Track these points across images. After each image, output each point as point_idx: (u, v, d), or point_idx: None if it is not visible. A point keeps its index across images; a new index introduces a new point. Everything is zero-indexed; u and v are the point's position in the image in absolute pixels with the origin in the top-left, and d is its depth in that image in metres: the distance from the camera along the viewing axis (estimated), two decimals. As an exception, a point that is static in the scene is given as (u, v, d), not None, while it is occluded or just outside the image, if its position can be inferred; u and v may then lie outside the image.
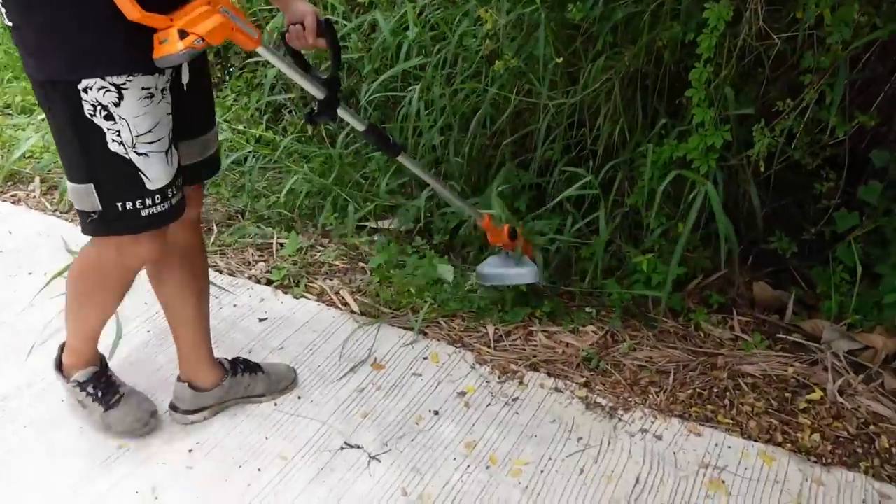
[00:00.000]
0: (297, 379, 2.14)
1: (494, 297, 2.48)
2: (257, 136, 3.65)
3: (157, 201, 1.56)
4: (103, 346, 2.02)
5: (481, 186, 2.88)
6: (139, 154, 1.51)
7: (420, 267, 2.59)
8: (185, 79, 1.58)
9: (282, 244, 2.80)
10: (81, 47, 1.42)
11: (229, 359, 2.06)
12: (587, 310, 2.47)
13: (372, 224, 3.02)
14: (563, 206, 2.61)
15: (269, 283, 2.59)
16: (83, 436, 1.94)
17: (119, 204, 1.53)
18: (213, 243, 2.79)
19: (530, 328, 2.39)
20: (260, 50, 1.58)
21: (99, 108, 1.45)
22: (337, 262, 2.71)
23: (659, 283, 2.44)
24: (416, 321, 2.37)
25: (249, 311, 2.44)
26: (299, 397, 2.09)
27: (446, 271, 2.57)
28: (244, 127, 3.68)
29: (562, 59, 2.51)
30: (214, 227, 2.90)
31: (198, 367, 1.98)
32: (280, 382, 2.10)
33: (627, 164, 2.60)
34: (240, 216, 3.06)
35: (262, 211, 3.06)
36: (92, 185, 1.52)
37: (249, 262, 2.71)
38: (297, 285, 2.57)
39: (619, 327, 2.40)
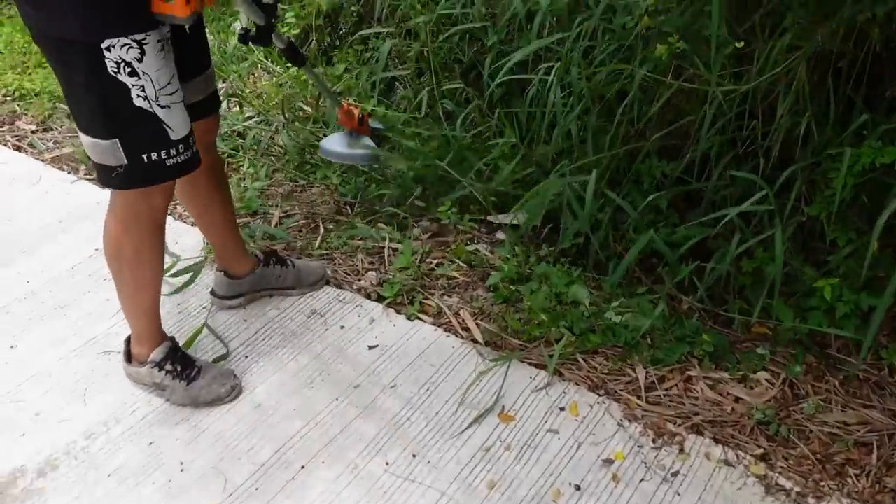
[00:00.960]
0: (326, 275, 2.32)
1: (643, 326, 2.07)
2: (368, 110, 3.31)
3: (180, 150, 1.62)
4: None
5: (620, 179, 2.44)
6: (162, 107, 1.57)
7: (548, 278, 2.20)
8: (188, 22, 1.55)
9: (395, 249, 2.46)
10: (105, 5, 1.44)
11: (263, 251, 2.27)
12: (759, 350, 2.02)
13: (493, 218, 2.65)
14: (716, 207, 2.16)
15: (379, 298, 2.26)
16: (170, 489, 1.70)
17: (145, 156, 1.59)
18: (318, 246, 2.49)
19: (688, 372, 1.97)
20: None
21: (123, 65, 1.48)
22: (455, 274, 2.35)
23: (846, 316, 1.96)
24: (551, 360, 1.98)
25: (358, 335, 2.12)
26: (414, 455, 1.76)
27: (582, 293, 2.17)
28: (355, 100, 3.34)
29: (741, 42, 2.01)
30: (321, 226, 2.59)
31: (232, 258, 2.18)
32: (309, 276, 2.28)
33: (809, 167, 2.09)
34: (349, 208, 2.73)
35: (373, 198, 2.73)
36: (117, 140, 1.56)
37: (359, 271, 2.38)
38: (412, 302, 2.23)
39: (799, 374, 1.94)
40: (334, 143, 2.60)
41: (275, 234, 2.50)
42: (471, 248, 2.45)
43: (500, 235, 2.67)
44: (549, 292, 2.18)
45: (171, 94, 1.57)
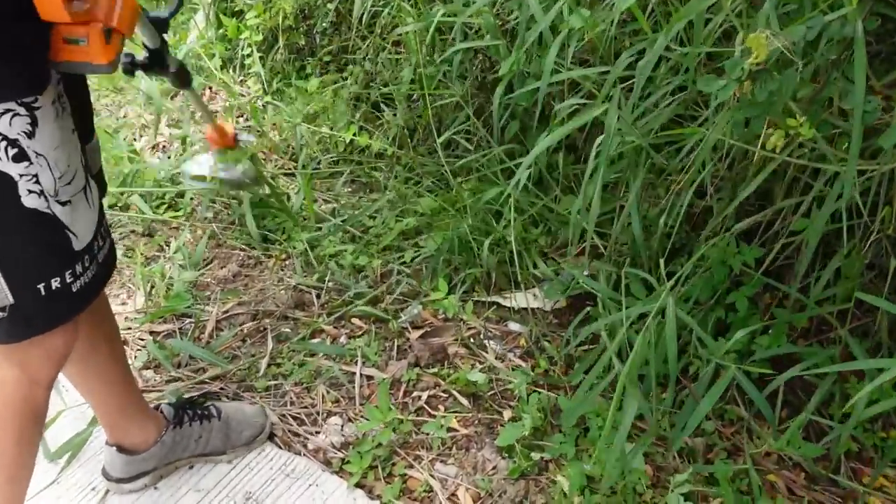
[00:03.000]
0: (267, 426, 1.62)
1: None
2: (347, 140, 2.56)
3: (86, 264, 1.09)
4: None
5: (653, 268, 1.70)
6: (63, 204, 1.03)
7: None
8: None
9: (369, 378, 1.75)
10: None
11: (174, 401, 1.56)
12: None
13: (502, 299, 1.95)
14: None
15: (344, 469, 1.55)
16: None
17: (42, 286, 1.04)
18: (263, 373, 1.77)
19: None
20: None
21: (5, 145, 0.94)
22: (454, 423, 1.63)
23: None
24: None
25: (308, 544, 1.42)
26: None
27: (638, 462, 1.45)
28: (330, 129, 2.58)
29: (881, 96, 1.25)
30: (269, 339, 1.87)
31: (127, 424, 1.47)
32: (244, 431, 1.58)
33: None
34: (313, 295, 2.01)
35: (346, 281, 2.01)
36: None
37: (316, 418, 1.67)
38: (390, 479, 1.52)
39: None
40: (202, 165, 2.15)
41: (203, 357, 1.78)
42: (475, 374, 1.72)
43: (514, 326, 1.95)
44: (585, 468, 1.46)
45: (70, 183, 1.03)
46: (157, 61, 1.46)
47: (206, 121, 2.10)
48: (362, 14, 2.52)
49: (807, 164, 1.41)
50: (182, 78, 1.62)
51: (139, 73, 1.46)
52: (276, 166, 2.60)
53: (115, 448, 1.47)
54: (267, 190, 2.28)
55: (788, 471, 1.57)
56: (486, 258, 2.00)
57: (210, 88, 2.92)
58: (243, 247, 2.21)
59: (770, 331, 1.68)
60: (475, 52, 2.24)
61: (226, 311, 1.94)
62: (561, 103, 1.83)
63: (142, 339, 1.86)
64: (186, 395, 1.67)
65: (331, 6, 2.76)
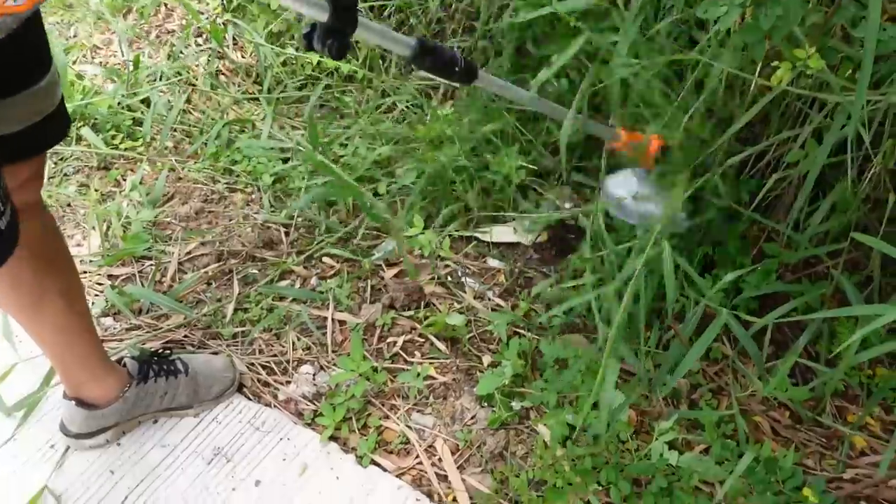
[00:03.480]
0: (237, 378, 1.53)
1: (709, 472, 1.32)
2: (314, 62, 2.39)
3: None
4: None
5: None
6: None
7: (567, 371, 1.42)
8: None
9: (342, 322, 1.66)
10: None
11: (137, 355, 1.46)
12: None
13: (480, 234, 1.86)
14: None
15: (316, 421, 1.48)
16: None
17: None
18: (230, 319, 1.67)
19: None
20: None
21: None
22: (432, 371, 1.56)
23: None
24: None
25: (282, 501, 1.36)
26: None
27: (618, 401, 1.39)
28: (295, 49, 2.40)
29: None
30: (235, 282, 1.76)
31: (86, 378, 1.37)
32: (212, 385, 1.50)
33: None
34: (282, 233, 1.90)
35: (315, 217, 1.90)
36: None
37: (286, 367, 1.59)
38: (364, 431, 1.46)
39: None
40: (623, 185, 1.56)
41: (165, 304, 1.67)
42: (453, 317, 1.64)
43: (493, 262, 1.87)
44: (568, 416, 1.40)
45: None
46: (347, 20, 1.05)
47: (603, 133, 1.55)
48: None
49: (809, 94, 1.30)
50: (432, 63, 1.18)
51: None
52: (238, 90, 2.42)
53: (74, 402, 1.38)
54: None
55: (774, 410, 1.53)
56: (467, 191, 1.90)
57: (165, 5, 2.70)
58: (206, 181, 2.07)
59: (759, 267, 1.60)
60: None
61: (188, 253, 1.82)
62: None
63: (100, 285, 1.74)
64: (150, 347, 1.57)
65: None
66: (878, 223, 1.43)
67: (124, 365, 1.43)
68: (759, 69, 1.33)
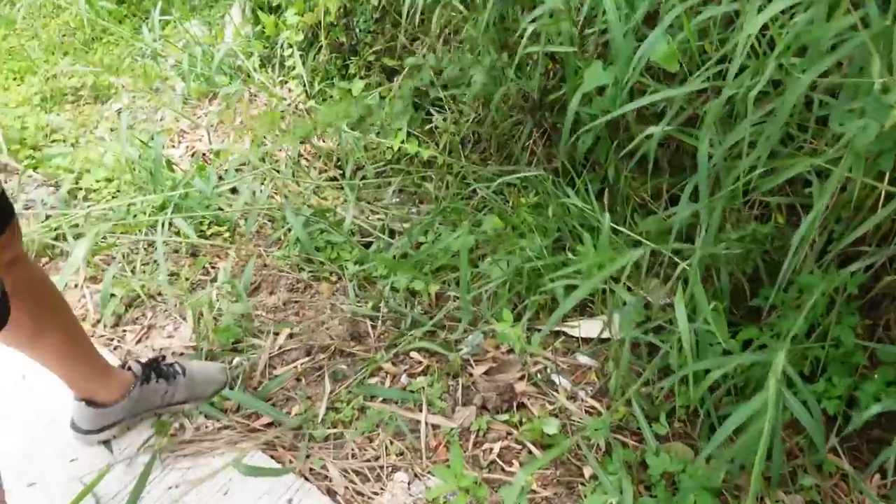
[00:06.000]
0: (228, 379, 1.67)
1: None
2: (395, 147, 2.36)
3: None
4: None
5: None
6: None
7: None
8: None
9: (435, 427, 1.58)
10: None
11: (142, 361, 1.59)
12: None
13: (569, 328, 1.78)
14: None
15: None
16: None
17: None
18: (322, 419, 1.61)
19: None
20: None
21: None
22: (534, 484, 1.46)
23: None
24: None
25: None
26: None
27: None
28: (376, 135, 2.39)
29: None
30: (326, 373, 1.70)
31: (93, 384, 1.50)
32: (207, 386, 1.64)
33: None
34: (370, 331, 1.84)
35: (401, 309, 1.84)
36: None
37: (379, 472, 1.50)
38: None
39: None
40: None
41: (258, 408, 1.62)
42: (548, 423, 1.55)
43: (584, 359, 1.78)
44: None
45: None
46: None
47: None
48: (411, 12, 2.31)
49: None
50: None
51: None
52: (320, 176, 2.41)
53: (83, 402, 1.50)
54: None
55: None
56: (553, 282, 1.82)
57: (249, 91, 2.73)
58: (291, 268, 2.04)
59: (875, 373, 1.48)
60: (537, 60, 2.02)
61: (279, 348, 1.77)
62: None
63: (191, 379, 1.70)
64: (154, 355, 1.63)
65: (374, 1, 2.54)
66: None
67: (129, 368, 1.55)
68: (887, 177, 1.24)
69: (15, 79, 3.12)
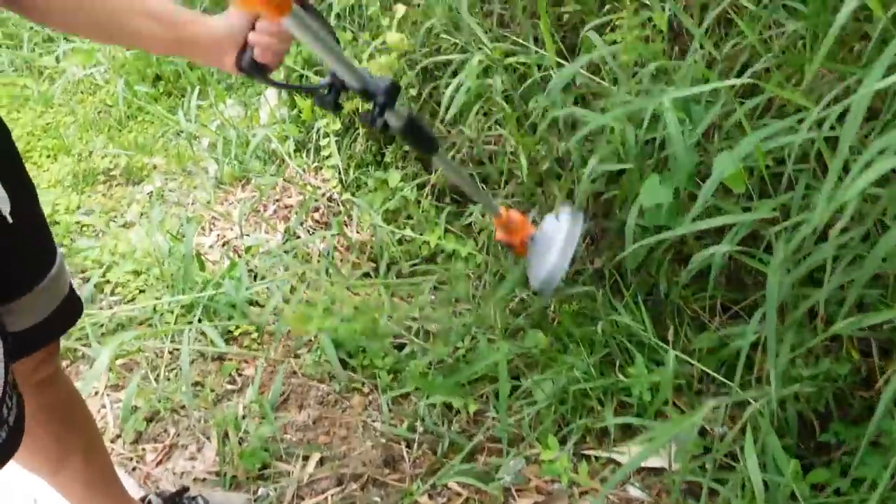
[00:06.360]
0: None
1: None
2: (432, 244, 2.27)
3: None
4: None
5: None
6: None
7: None
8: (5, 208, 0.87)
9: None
10: None
11: (164, 495, 1.50)
12: None
13: (619, 455, 1.65)
14: None
15: None
16: None
17: None
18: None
19: None
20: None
21: None
22: None
23: None
24: None
25: None
26: None
27: None
28: (412, 230, 2.30)
29: None
30: (358, 512, 1.58)
31: None
32: None
33: None
34: (404, 456, 1.71)
35: (438, 429, 1.71)
36: None
37: None
38: None
39: None
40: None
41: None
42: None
43: (635, 492, 1.63)
44: None
45: None
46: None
47: (487, 208, 1.65)
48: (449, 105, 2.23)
49: None
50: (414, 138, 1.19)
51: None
52: (353, 270, 2.32)
53: None
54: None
55: None
56: (603, 403, 1.70)
57: (283, 178, 2.67)
58: (321, 378, 1.93)
59: None
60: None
61: (309, 476, 1.65)
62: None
63: (214, 511, 1.58)
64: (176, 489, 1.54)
65: (412, 91, 2.48)
66: None
67: (150, 503, 1.47)
68: None
69: (49, 156, 3.10)
